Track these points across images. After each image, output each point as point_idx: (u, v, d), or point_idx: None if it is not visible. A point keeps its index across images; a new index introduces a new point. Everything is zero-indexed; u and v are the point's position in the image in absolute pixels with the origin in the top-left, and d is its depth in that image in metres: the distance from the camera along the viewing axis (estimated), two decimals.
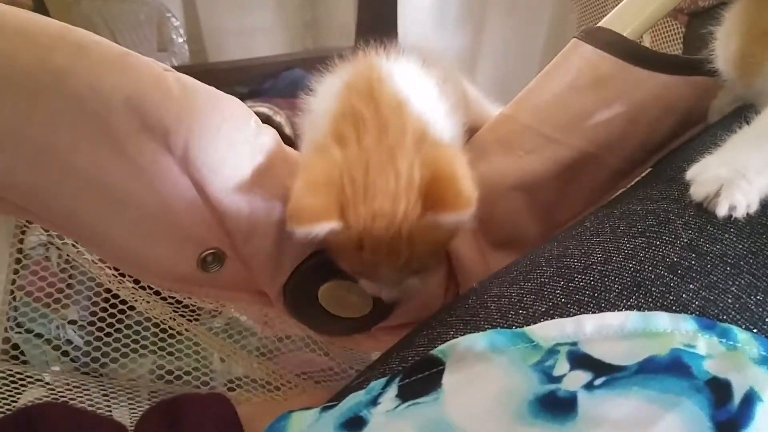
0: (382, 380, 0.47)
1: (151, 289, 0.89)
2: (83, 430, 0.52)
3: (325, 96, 0.67)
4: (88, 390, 0.96)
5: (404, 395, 0.46)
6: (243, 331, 1.03)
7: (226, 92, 0.64)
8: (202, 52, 2.02)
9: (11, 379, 0.92)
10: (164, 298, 0.91)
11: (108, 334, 0.96)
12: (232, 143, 0.60)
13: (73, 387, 0.95)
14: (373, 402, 0.46)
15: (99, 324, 0.96)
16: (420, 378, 0.46)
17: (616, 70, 0.71)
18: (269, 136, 0.64)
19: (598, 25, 0.74)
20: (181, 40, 1.91)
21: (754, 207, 0.52)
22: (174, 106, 0.58)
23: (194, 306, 0.94)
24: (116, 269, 0.88)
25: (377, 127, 0.61)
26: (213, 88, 0.62)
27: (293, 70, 1.79)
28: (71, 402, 0.92)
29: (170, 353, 1.00)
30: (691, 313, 0.45)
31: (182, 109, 0.58)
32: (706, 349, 0.43)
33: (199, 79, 0.62)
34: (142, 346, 0.98)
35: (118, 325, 0.96)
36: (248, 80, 1.80)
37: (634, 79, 0.70)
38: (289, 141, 0.69)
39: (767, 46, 0.62)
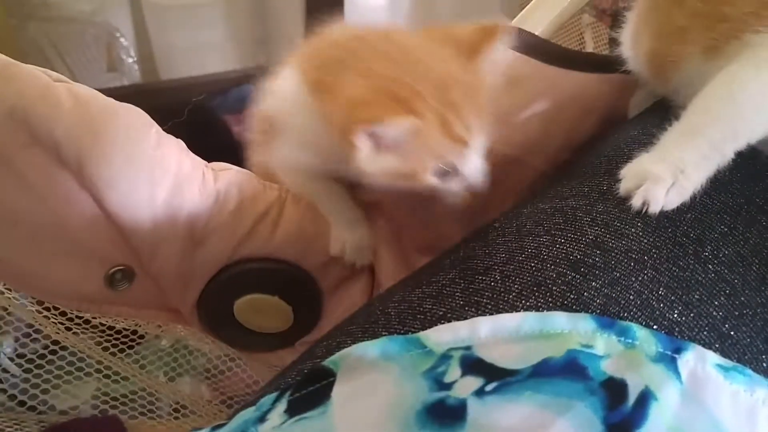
0: (273, 395, 0.45)
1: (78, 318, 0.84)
2: None
3: (290, 81, 0.62)
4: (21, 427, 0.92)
5: (293, 410, 0.43)
6: (191, 351, 0.99)
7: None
8: (153, 70, 1.98)
9: None
10: (95, 327, 0.86)
11: (40, 366, 0.92)
12: (129, 156, 0.58)
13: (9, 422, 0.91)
14: (261, 419, 0.43)
15: (33, 354, 0.92)
16: (310, 391, 0.44)
17: (530, 70, 0.69)
18: (172, 146, 0.61)
19: (510, 24, 0.73)
20: (130, 60, 1.87)
21: (671, 206, 0.51)
22: (64, 119, 0.55)
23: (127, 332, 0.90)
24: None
25: (375, 47, 0.58)
26: (111, 100, 0.59)
27: (242, 86, 1.76)
28: None
29: (115, 380, 0.96)
30: (592, 312, 0.43)
31: (73, 122, 0.55)
32: (605, 348, 0.41)
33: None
34: (86, 372, 0.93)
35: (50, 357, 0.92)
36: (198, 97, 1.77)
37: (549, 78, 0.69)
38: None
39: (683, 42, 0.60)
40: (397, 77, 0.54)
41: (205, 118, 0.80)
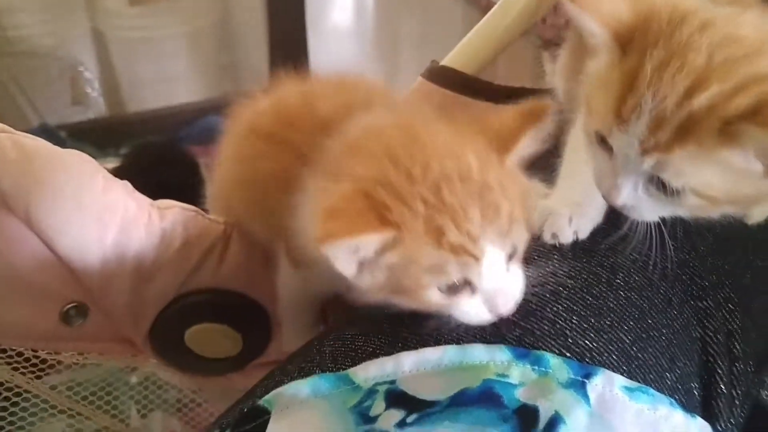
0: None
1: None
2: None
3: None
4: None
5: None
6: (162, 385, 0.99)
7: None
8: (119, 102, 1.97)
9: None
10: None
11: (15, 404, 0.90)
12: (77, 203, 0.59)
13: None
14: None
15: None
16: (247, 430, 0.44)
17: (446, 99, 0.76)
18: (118, 189, 0.62)
19: (441, 63, 0.77)
20: (95, 93, 1.86)
21: (583, 235, 0.53)
22: (10, 170, 0.56)
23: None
24: None
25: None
26: (57, 148, 0.60)
27: (208, 117, 1.76)
28: None
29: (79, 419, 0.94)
30: (509, 343, 0.45)
31: (19, 173, 0.56)
32: (519, 377, 0.43)
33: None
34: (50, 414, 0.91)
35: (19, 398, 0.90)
36: (164, 129, 1.77)
37: (459, 104, 0.75)
38: None
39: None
40: (384, 179, 0.44)
41: (167, 155, 0.80)
